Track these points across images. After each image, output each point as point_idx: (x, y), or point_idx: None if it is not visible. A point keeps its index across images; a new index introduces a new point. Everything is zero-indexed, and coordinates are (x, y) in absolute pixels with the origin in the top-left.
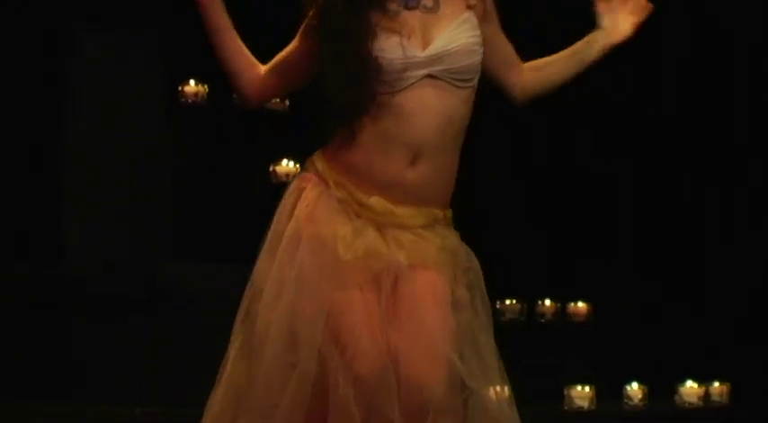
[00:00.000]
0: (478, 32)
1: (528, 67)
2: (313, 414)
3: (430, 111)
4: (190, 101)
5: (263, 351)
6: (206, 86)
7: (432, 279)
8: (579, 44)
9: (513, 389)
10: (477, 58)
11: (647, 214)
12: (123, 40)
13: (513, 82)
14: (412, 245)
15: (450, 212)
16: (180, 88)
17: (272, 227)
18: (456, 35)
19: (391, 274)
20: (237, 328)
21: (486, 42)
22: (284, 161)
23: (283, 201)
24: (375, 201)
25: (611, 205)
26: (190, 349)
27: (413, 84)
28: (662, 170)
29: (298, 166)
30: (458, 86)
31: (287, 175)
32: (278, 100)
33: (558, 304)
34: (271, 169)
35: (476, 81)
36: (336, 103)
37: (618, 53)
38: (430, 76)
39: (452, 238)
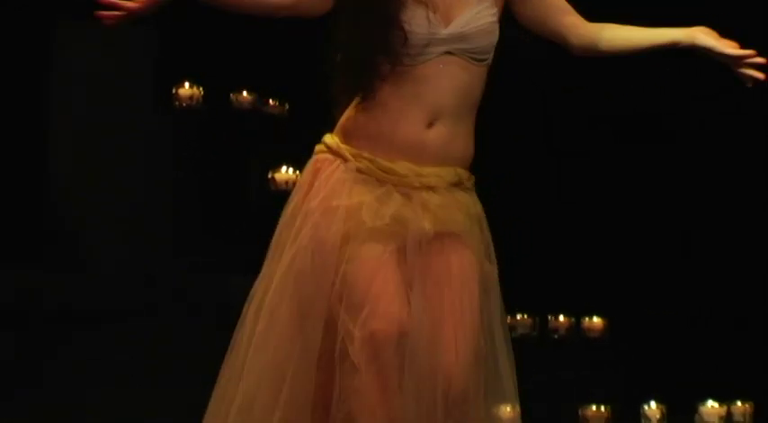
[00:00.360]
0: (496, 11)
1: (599, 25)
2: (325, 384)
3: (447, 81)
4: (184, 104)
5: (272, 327)
6: (201, 89)
7: (459, 256)
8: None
9: (525, 408)
10: (494, 38)
11: (665, 226)
12: (115, 39)
13: (568, 25)
14: (439, 209)
15: (473, 178)
16: (174, 91)
17: (287, 209)
18: (477, 14)
19: (416, 244)
20: (248, 320)
21: None
22: (284, 168)
23: (299, 183)
24: (400, 164)
25: (626, 216)
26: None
27: (431, 58)
28: (681, 183)
29: (298, 173)
30: (473, 64)
31: (286, 182)
32: (277, 103)
33: (572, 319)
34: (270, 176)
35: (491, 58)
36: (355, 70)
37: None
38: (448, 52)
39: (477, 207)
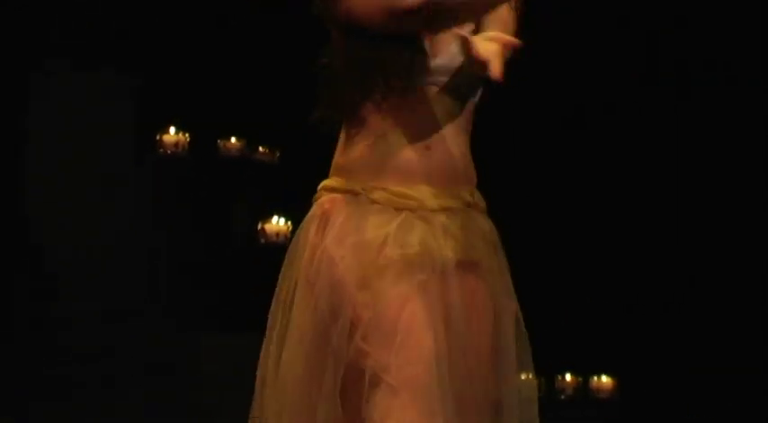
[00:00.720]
0: None
1: None
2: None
3: (434, 111)
4: (169, 151)
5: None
6: (187, 135)
7: (475, 295)
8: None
9: None
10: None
11: (677, 281)
12: (97, 84)
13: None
14: (460, 234)
15: (483, 200)
16: (158, 137)
17: (293, 260)
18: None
19: (438, 274)
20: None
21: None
22: (274, 218)
23: (301, 230)
24: (415, 188)
25: (635, 270)
26: None
27: (419, 88)
28: (689, 233)
29: (289, 223)
30: (458, 98)
31: (277, 233)
32: (267, 150)
33: (580, 379)
34: (259, 227)
35: (477, 94)
36: (364, 82)
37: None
38: (433, 84)
39: (493, 232)
